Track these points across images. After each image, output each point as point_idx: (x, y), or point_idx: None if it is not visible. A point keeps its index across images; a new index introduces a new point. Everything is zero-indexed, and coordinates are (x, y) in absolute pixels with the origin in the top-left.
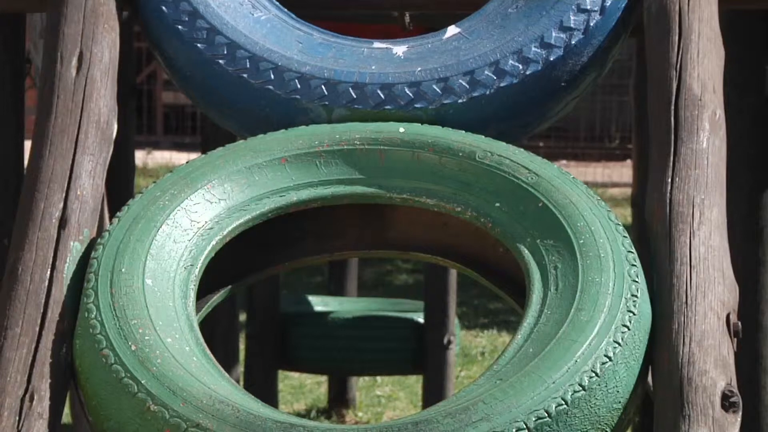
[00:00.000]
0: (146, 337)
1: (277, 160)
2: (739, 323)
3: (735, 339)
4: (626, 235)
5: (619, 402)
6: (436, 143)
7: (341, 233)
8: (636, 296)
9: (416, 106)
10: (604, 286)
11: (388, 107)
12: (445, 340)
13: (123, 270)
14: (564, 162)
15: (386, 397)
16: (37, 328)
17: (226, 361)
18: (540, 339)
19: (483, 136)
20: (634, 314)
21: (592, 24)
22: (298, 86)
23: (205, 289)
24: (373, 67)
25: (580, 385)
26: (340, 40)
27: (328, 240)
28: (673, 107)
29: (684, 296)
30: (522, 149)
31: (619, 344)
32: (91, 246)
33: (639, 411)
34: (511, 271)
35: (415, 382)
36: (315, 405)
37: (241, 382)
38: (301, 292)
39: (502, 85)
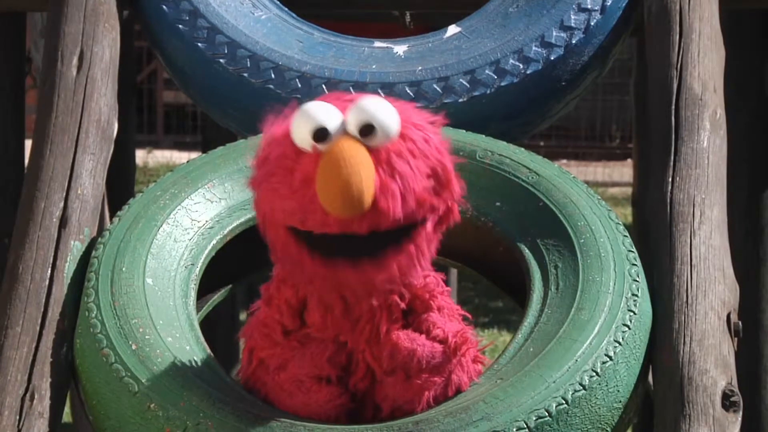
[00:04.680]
0: (147, 337)
1: None
2: (740, 322)
3: (735, 338)
4: (627, 234)
5: (620, 401)
6: None
7: None
8: (636, 295)
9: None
10: (604, 286)
11: None
12: None
13: (123, 269)
14: (564, 161)
15: None
16: (38, 327)
17: (227, 361)
18: (540, 338)
19: (483, 136)
20: (634, 313)
21: (592, 23)
22: (299, 85)
23: (205, 288)
24: (374, 67)
25: (581, 384)
26: (340, 39)
27: None
28: (673, 106)
29: (684, 295)
30: (522, 148)
31: (619, 343)
32: (92, 245)
33: (639, 410)
34: (512, 271)
35: None
36: None
37: None
38: None
39: (502, 84)
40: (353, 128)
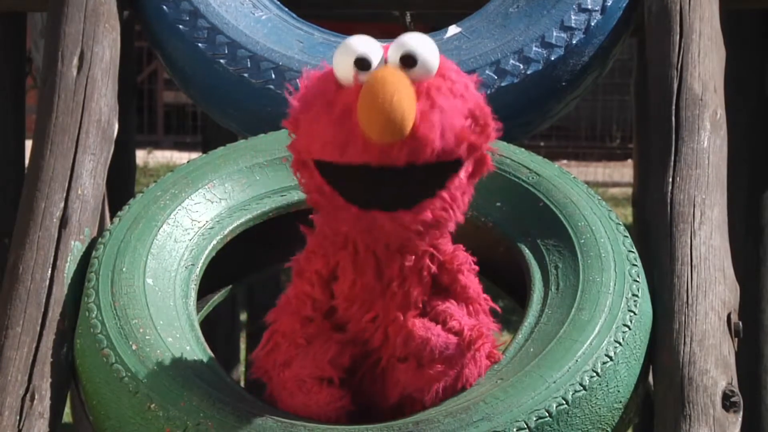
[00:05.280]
0: (147, 337)
1: (278, 160)
2: (740, 323)
3: (736, 338)
4: (627, 234)
5: (620, 402)
6: None
7: None
8: (637, 296)
9: None
10: (605, 286)
11: None
12: None
13: (124, 269)
14: (565, 161)
15: None
16: (38, 328)
17: (227, 361)
18: (541, 338)
19: None
20: (635, 314)
21: (593, 23)
22: (299, 86)
23: (205, 289)
24: None
25: (581, 384)
26: (341, 39)
27: None
28: (674, 107)
29: (685, 296)
30: (523, 149)
31: (620, 344)
32: (92, 245)
33: (639, 411)
34: (512, 271)
35: None
36: None
37: (242, 382)
38: None
39: (502, 84)
40: (394, 59)
